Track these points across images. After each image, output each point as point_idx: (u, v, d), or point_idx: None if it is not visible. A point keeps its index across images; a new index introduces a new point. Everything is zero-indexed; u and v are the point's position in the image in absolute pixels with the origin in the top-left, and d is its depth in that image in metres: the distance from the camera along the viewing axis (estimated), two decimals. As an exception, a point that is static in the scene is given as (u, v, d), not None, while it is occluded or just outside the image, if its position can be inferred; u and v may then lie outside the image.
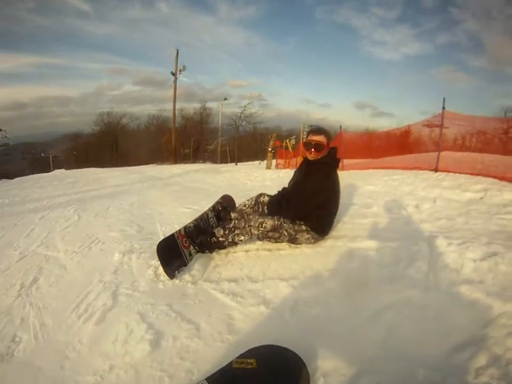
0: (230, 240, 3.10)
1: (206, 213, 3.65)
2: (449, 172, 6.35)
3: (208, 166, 23.63)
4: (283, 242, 3.21)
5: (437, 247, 2.69)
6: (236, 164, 24.30)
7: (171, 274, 2.84)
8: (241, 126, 43.36)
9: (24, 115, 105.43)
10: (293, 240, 3.16)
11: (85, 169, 25.03)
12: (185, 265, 3.00)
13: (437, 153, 7.22)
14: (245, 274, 2.84)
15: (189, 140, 44.63)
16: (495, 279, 2.20)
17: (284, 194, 3.33)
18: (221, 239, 3.12)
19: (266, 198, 3.46)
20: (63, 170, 27.24)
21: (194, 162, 31.13)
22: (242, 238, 3.09)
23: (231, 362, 1.69)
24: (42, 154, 52.14)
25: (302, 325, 2.10)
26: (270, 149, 16.36)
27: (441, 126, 7.58)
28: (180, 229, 3.20)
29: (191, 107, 52.59)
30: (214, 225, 3.65)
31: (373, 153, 11.07)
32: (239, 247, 3.27)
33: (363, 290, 2.37)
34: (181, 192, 7.85)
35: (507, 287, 2.10)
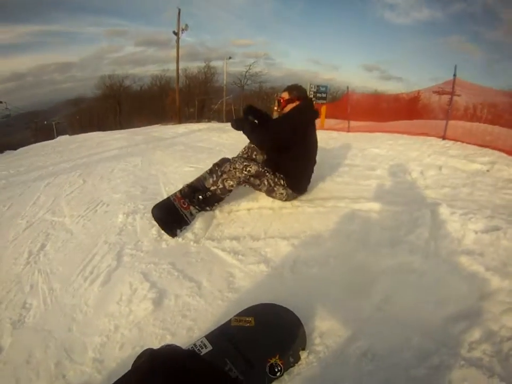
0: (221, 186, 3.08)
1: (203, 176, 3.61)
2: (457, 141, 6.29)
3: (213, 125, 23.23)
4: (261, 191, 3.26)
5: (439, 214, 2.67)
6: (241, 123, 23.89)
7: (173, 233, 2.91)
8: (247, 85, 42.75)
9: (24, 85, 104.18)
10: (269, 192, 3.23)
11: (88, 133, 24.89)
12: (187, 224, 3.02)
13: (445, 121, 7.11)
14: (246, 232, 2.87)
15: (193, 99, 43.82)
16: (496, 253, 2.18)
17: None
18: (212, 188, 3.12)
19: None
20: (66, 136, 27.10)
21: (199, 121, 30.60)
22: (230, 182, 3.07)
23: (230, 320, 1.74)
24: (46, 122, 51.80)
25: (301, 285, 2.12)
26: (275, 108, 16.13)
27: (452, 93, 7.45)
28: (175, 193, 3.24)
29: (195, 66, 51.41)
30: None
31: (380, 117, 10.90)
32: (242, 205, 3.31)
33: (363, 252, 2.38)
34: (185, 152, 7.79)
35: (507, 263, 2.08)
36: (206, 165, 4.81)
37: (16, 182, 6.75)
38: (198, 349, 1.60)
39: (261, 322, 1.71)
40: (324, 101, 13.23)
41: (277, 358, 1.55)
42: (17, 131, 51.42)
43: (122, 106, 54.05)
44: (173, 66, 33.85)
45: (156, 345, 1.75)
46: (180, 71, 31.46)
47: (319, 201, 3.24)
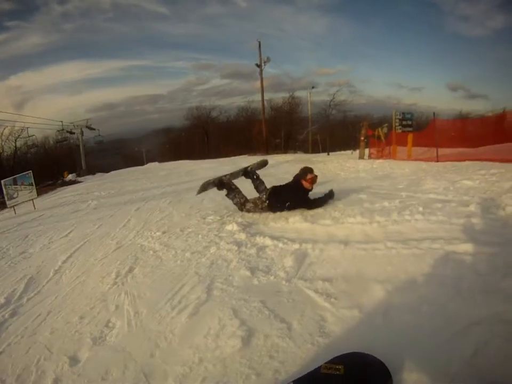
0: (234, 187, 5.36)
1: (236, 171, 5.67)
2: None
3: (299, 156, 23.56)
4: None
5: (535, 259, 2.44)
6: (328, 154, 23.92)
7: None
8: (331, 115, 43.27)
9: (115, 114, 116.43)
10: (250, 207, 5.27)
11: (177, 161, 26.49)
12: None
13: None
14: (339, 274, 2.83)
15: (279, 130, 45.04)
16: None
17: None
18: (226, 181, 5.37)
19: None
20: (156, 163, 29.11)
21: (285, 152, 31.24)
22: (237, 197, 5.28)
23: (319, 367, 1.71)
24: (136, 149, 56.60)
25: (392, 332, 2.04)
26: (362, 138, 16.11)
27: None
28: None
29: (280, 97, 52.86)
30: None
31: (467, 142, 10.43)
32: (332, 246, 3.33)
33: (456, 300, 2.25)
34: (275, 183, 7.95)
35: None
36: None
37: (107, 204, 7.39)
38: (284, 393, 1.59)
39: (350, 371, 1.67)
40: (410, 129, 12.99)
41: (362, 410, 1.51)
42: (108, 156, 56.38)
43: (210, 136, 56.85)
44: (258, 97, 35.93)
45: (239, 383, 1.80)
46: (264, 102, 32.86)
47: (413, 242, 3.12)
